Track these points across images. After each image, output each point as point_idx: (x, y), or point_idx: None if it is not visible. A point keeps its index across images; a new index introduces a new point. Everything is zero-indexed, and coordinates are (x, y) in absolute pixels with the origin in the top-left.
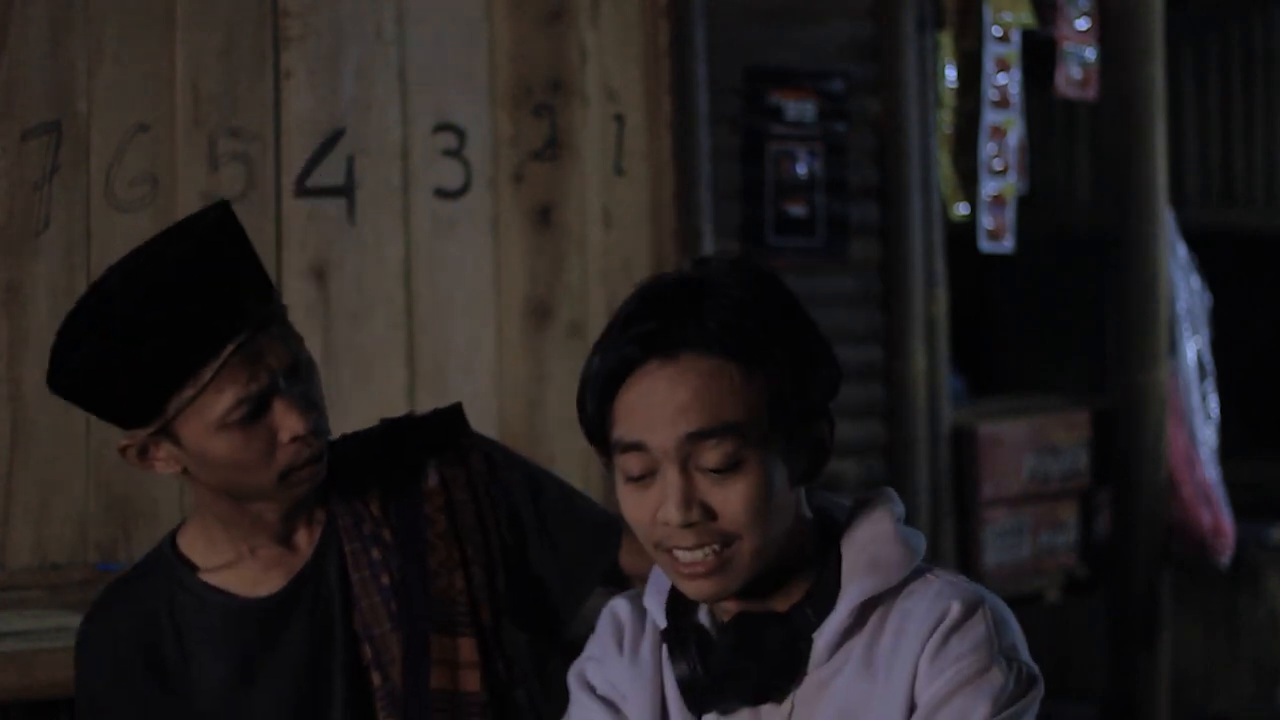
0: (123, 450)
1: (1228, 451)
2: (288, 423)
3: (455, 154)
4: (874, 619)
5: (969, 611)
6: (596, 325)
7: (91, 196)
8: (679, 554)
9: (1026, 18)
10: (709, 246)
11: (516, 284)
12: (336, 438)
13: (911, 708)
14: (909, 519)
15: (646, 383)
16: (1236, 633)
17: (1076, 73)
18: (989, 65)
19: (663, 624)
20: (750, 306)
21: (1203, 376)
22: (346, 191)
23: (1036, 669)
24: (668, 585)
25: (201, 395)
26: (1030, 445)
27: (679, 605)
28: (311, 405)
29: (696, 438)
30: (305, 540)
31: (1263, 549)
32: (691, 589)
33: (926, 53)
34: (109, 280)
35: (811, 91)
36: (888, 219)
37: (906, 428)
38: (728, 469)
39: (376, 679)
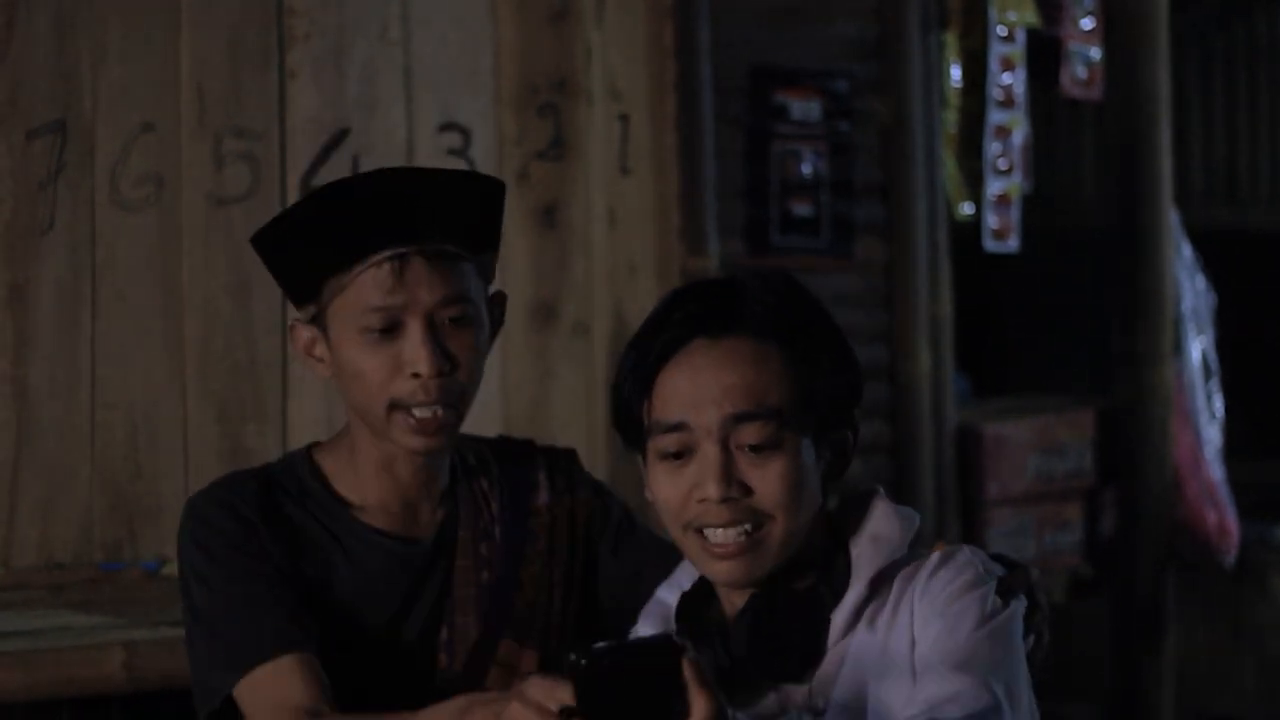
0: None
1: (1233, 451)
2: (414, 357)
3: (460, 153)
4: (883, 590)
5: (950, 552)
6: (601, 324)
7: (96, 196)
8: (710, 533)
9: (1031, 17)
10: (714, 246)
11: (521, 283)
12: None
13: (914, 646)
14: None
15: (694, 360)
16: (1241, 633)
17: (1081, 72)
18: (994, 65)
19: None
20: (788, 301)
21: (1208, 376)
22: None
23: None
24: (684, 581)
25: (350, 287)
26: (1035, 445)
27: (694, 601)
28: (448, 358)
29: (741, 419)
30: (431, 516)
31: (1268, 549)
32: (720, 570)
33: (931, 52)
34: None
35: (816, 91)
36: (893, 218)
37: (911, 427)
38: (767, 447)
39: (443, 660)
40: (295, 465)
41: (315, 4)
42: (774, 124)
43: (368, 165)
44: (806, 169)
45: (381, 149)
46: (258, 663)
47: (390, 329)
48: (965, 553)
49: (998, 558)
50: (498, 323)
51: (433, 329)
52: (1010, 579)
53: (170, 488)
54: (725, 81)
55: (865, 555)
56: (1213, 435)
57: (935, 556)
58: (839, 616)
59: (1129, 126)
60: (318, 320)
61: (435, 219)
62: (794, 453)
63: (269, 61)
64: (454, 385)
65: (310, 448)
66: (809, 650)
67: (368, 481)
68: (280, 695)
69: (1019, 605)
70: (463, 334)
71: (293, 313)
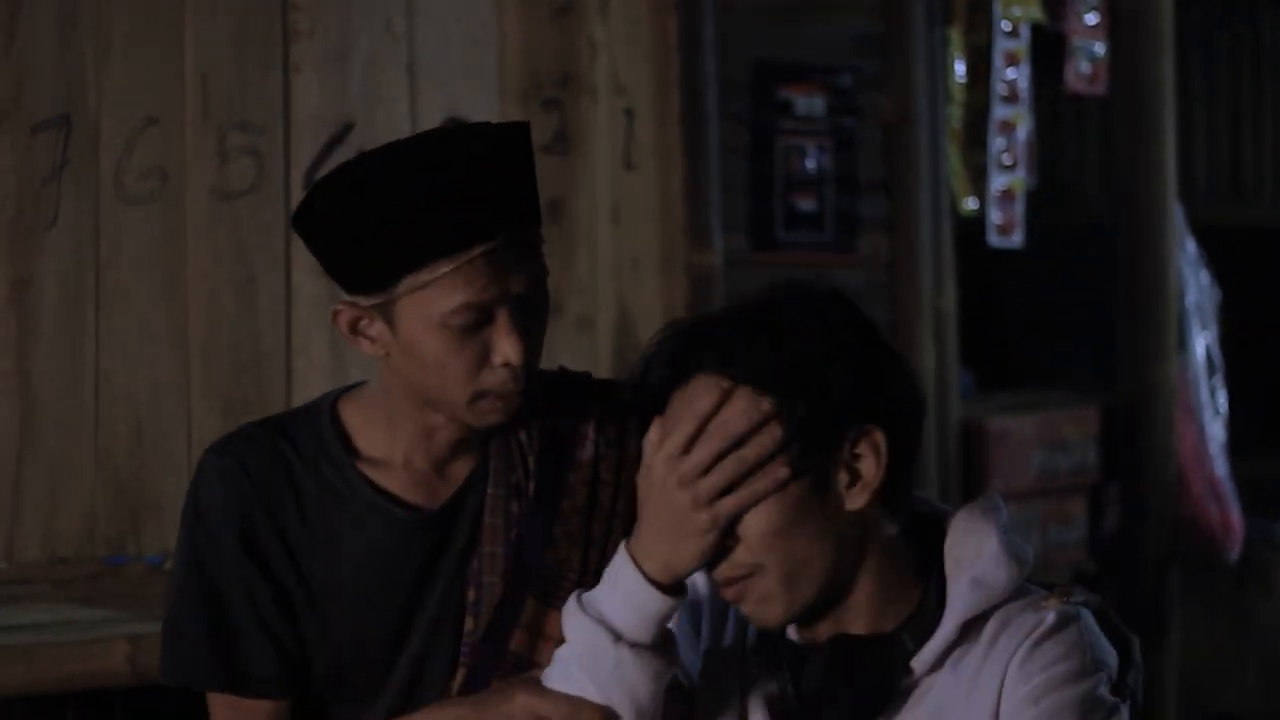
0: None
1: (1236, 447)
2: (504, 346)
3: None
4: (974, 631)
5: (1063, 622)
6: (605, 319)
7: (101, 190)
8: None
9: (1036, 13)
10: (718, 241)
11: None
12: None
13: (998, 713)
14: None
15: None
16: (1243, 630)
17: (1086, 68)
18: (998, 60)
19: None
20: (754, 333)
21: (1212, 372)
22: None
23: (1116, 701)
24: None
25: (434, 284)
26: (1039, 440)
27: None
28: (532, 340)
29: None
30: (459, 471)
31: (1271, 545)
32: (748, 617)
33: (936, 48)
34: (401, 144)
35: (821, 86)
36: (896, 214)
37: None
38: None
39: (469, 624)
40: (316, 419)
41: None
42: (778, 119)
43: None
44: (810, 164)
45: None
46: (232, 691)
47: (477, 324)
48: (1078, 628)
49: (1107, 621)
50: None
51: (519, 314)
52: (1122, 679)
53: (174, 482)
54: (729, 77)
55: (963, 598)
56: (1217, 431)
57: (1047, 621)
58: (924, 655)
59: (1133, 122)
60: (382, 309)
61: (518, 200)
62: (773, 498)
63: (273, 56)
64: (534, 366)
65: (336, 401)
66: (885, 692)
67: (399, 444)
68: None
69: (1123, 712)
70: (539, 311)
71: (309, 297)
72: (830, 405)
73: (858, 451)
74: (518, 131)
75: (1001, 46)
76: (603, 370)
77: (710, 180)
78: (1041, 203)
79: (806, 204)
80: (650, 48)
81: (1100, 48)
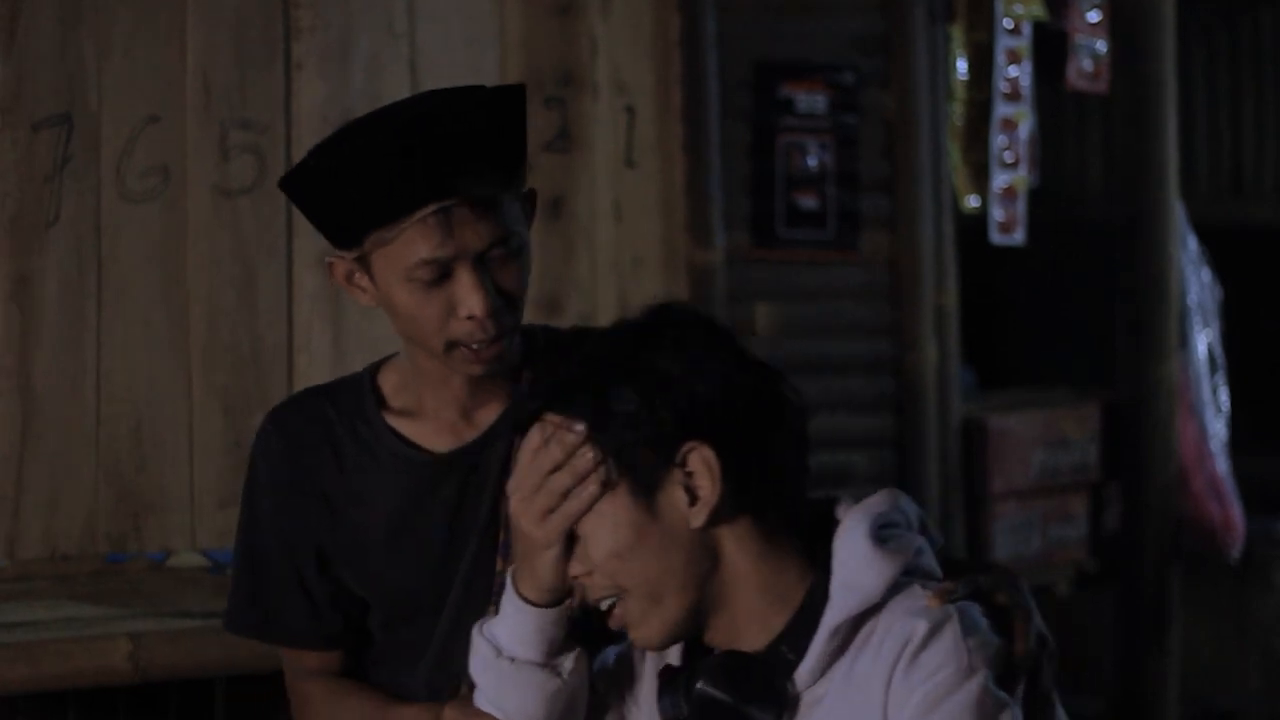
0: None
1: (1238, 445)
2: (466, 299)
3: None
4: (858, 637)
5: (936, 627)
6: (606, 317)
7: (102, 188)
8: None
9: (1037, 10)
10: (720, 239)
11: None
12: (554, 327)
13: None
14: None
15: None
16: (1245, 627)
17: (1088, 65)
18: (1000, 58)
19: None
20: (599, 359)
21: (1213, 370)
22: None
23: (1006, 697)
24: None
25: (395, 241)
26: (1040, 438)
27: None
28: (499, 293)
29: None
30: (486, 417)
31: (1273, 543)
32: (634, 644)
33: (937, 45)
34: (379, 110)
35: (822, 84)
36: (898, 211)
37: (917, 420)
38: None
39: (500, 565)
40: (358, 381)
41: None
42: (780, 117)
43: None
44: (812, 162)
45: None
46: (268, 641)
47: (440, 278)
48: (953, 630)
49: (973, 570)
50: (531, 220)
51: (482, 268)
52: (1014, 654)
53: (175, 479)
54: (731, 74)
55: (833, 603)
56: (1218, 429)
57: (919, 632)
58: (805, 667)
59: (1135, 120)
60: (361, 261)
61: (476, 161)
62: (604, 517)
63: (275, 54)
64: (508, 317)
65: (378, 364)
66: (773, 708)
67: (425, 395)
68: (315, 664)
69: (1014, 709)
70: (510, 266)
71: (310, 294)
72: (642, 425)
73: (690, 470)
74: (482, 93)
75: (1003, 44)
76: None
77: (712, 178)
78: (1043, 200)
79: (808, 202)
80: (651, 45)
81: (1102, 45)
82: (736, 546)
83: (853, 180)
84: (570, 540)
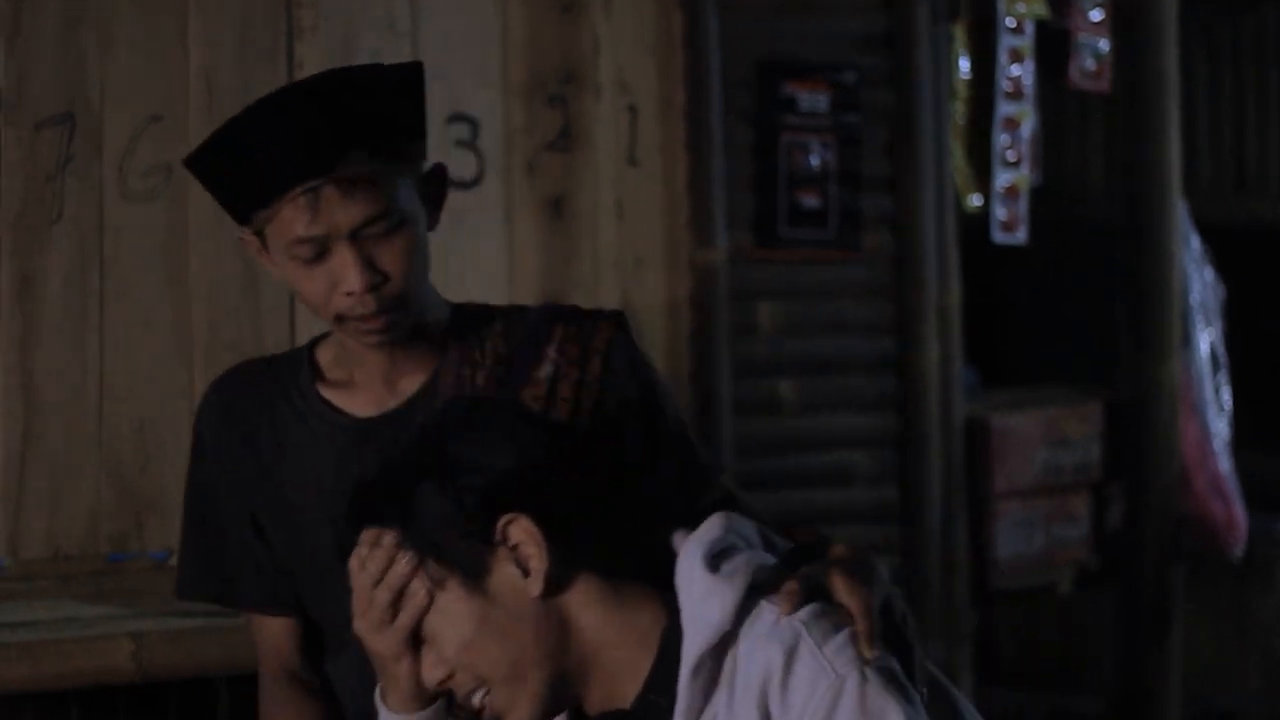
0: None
1: (1240, 444)
2: (344, 278)
3: (468, 144)
4: (725, 669)
5: (790, 652)
6: None
7: (105, 187)
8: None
9: (1040, 9)
10: (722, 238)
11: (529, 274)
12: (493, 305)
13: None
14: (921, 512)
15: None
16: (1247, 627)
17: (1090, 64)
18: (1002, 56)
19: None
20: (395, 463)
21: (1216, 369)
22: None
23: (879, 677)
24: None
25: (274, 220)
26: (1042, 437)
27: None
28: (379, 272)
29: None
30: (410, 386)
31: (1275, 542)
32: None
33: (940, 44)
34: (277, 89)
35: (824, 83)
36: (901, 210)
37: (919, 420)
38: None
39: None
40: (299, 353)
41: None
42: (782, 116)
43: None
44: (814, 161)
45: None
46: (220, 603)
47: (319, 255)
48: (808, 652)
49: (811, 558)
50: (440, 196)
51: (360, 245)
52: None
53: (177, 479)
54: (733, 74)
55: (689, 640)
56: (1220, 428)
57: (776, 661)
58: (679, 710)
59: (1137, 119)
60: (260, 237)
61: (349, 141)
62: (447, 609)
63: (277, 52)
64: (391, 294)
65: (320, 338)
66: None
67: (352, 364)
68: (271, 644)
69: (897, 680)
70: (392, 243)
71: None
72: (450, 516)
73: (514, 544)
74: (371, 72)
75: (1006, 43)
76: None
77: (714, 177)
78: (1046, 199)
79: (810, 201)
80: (654, 44)
81: (1104, 44)
82: (583, 607)
83: (855, 179)
84: (419, 644)
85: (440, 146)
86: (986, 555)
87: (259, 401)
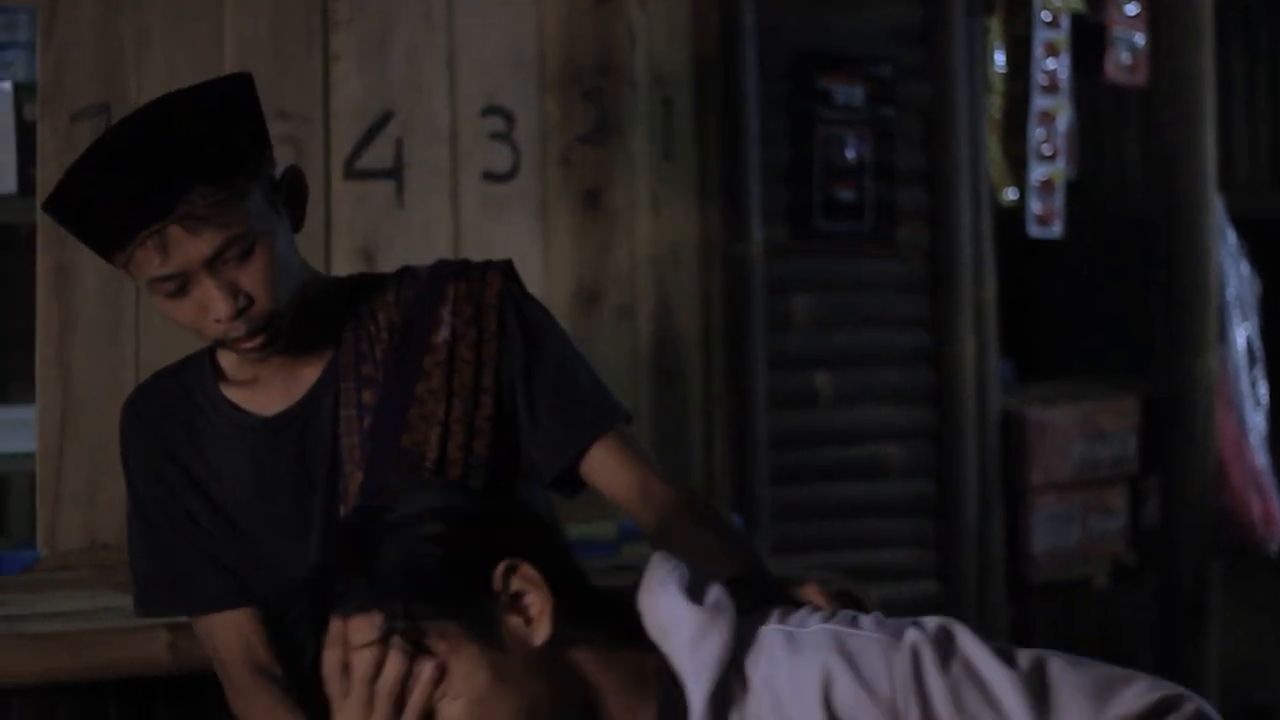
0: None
1: (1277, 438)
2: (210, 305)
3: (504, 137)
4: (735, 700)
5: (843, 651)
6: (644, 309)
7: None
8: None
9: (1076, 3)
10: (757, 231)
11: (564, 267)
12: (384, 273)
13: None
14: (957, 506)
15: None
16: None
17: (1126, 58)
18: (1038, 50)
19: None
20: (363, 551)
21: (1252, 363)
22: (395, 174)
23: (917, 625)
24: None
25: (130, 264)
26: (1079, 431)
27: None
28: (242, 289)
29: None
30: (311, 374)
31: None
32: None
33: (975, 37)
34: (100, 137)
35: (860, 76)
36: (936, 204)
37: (955, 413)
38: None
39: (342, 512)
40: (200, 358)
41: None
42: (818, 109)
43: (411, 149)
44: (850, 154)
45: (425, 133)
46: (191, 613)
47: (181, 289)
48: (853, 638)
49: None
50: (299, 196)
51: (219, 271)
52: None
53: None
54: (769, 66)
55: (694, 674)
56: (1257, 422)
57: (832, 662)
58: None
59: (1174, 113)
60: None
61: (187, 179)
62: (462, 670)
63: (313, 45)
64: (259, 314)
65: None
66: None
67: (249, 363)
68: (239, 641)
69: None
70: (251, 264)
71: None
72: (445, 583)
73: (515, 592)
74: (192, 97)
75: (1041, 36)
76: (641, 360)
77: (749, 170)
78: (1081, 193)
79: (846, 194)
80: (690, 37)
81: (1140, 38)
82: (582, 652)
83: (890, 173)
84: None
85: (476, 139)
86: (1022, 549)
87: (171, 413)
